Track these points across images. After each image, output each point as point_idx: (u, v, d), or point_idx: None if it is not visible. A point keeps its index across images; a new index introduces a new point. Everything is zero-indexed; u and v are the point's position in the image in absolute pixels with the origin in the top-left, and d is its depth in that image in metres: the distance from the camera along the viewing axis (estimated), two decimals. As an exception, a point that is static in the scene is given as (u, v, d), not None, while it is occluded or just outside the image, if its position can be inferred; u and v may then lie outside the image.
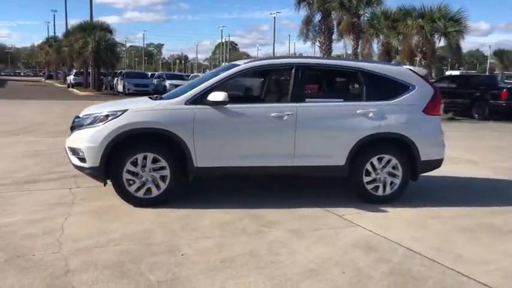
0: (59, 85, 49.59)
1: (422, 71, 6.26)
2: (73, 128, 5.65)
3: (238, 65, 5.79)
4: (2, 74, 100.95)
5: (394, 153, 5.82)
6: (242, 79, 6.41)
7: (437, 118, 6.06)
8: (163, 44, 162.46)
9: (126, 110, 5.31)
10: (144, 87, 33.41)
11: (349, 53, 30.56)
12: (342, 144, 5.64)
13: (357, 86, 6.15)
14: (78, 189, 5.99)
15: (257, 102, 5.92)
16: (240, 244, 4.31)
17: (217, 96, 5.29)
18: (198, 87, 5.54)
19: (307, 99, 5.70)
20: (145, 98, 6.02)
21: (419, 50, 21.18)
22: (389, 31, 22.83)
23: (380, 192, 5.84)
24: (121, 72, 37.79)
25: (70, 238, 4.30)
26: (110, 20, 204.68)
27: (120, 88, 34.87)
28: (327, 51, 28.20)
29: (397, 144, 5.86)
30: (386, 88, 5.95)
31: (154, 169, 5.32)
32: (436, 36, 21.12)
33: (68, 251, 3.98)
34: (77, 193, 5.83)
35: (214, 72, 6.47)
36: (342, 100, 5.88)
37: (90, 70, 37.74)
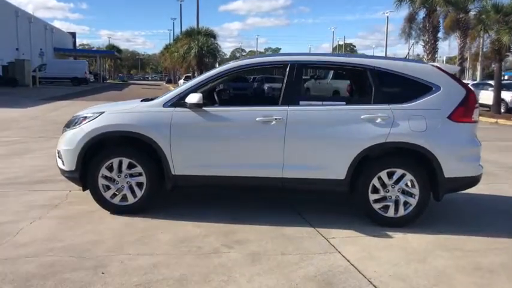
0: (172, 88, 52.47)
1: (453, 69, 5.14)
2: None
3: (227, 64, 5.27)
4: (134, 78, 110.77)
5: (408, 167, 4.83)
6: (230, 79, 5.83)
7: (469, 126, 4.91)
8: (280, 48, 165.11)
9: (103, 112, 5.08)
10: (244, 90, 33.87)
11: (454, 53, 27.72)
12: (342, 154, 4.82)
13: (363, 86, 5.23)
14: (76, 192, 5.92)
15: (243, 105, 5.33)
16: (178, 266, 3.79)
17: (193, 98, 4.82)
18: (179, 88, 5.13)
19: (301, 102, 4.97)
20: (136, 100, 5.75)
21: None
22: (501, 26, 20.18)
23: (391, 213, 4.88)
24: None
25: (14, 244, 4.16)
26: (233, 26, 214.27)
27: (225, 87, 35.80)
28: (432, 50, 25.91)
29: (413, 157, 4.87)
30: (400, 89, 4.99)
31: (131, 175, 5.02)
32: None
33: (-4, 258, 3.82)
34: (70, 196, 5.76)
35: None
36: (344, 103, 5.04)
37: (196, 74, 39.37)
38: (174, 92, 5.10)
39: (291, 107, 4.87)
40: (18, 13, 49.47)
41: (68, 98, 26.06)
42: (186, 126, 4.91)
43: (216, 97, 5.73)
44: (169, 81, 74.82)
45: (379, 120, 4.77)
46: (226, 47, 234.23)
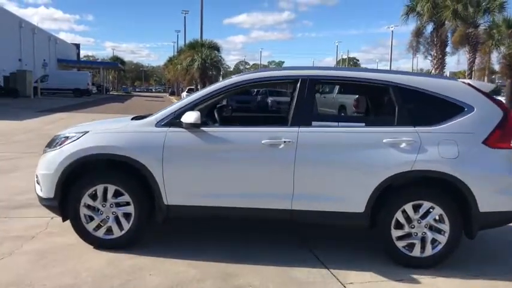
0: (175, 101, 52.08)
1: (487, 87, 4.49)
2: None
3: (229, 79, 4.65)
4: (137, 90, 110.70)
5: (437, 199, 4.17)
6: (233, 96, 5.21)
7: (508, 152, 4.26)
8: (283, 62, 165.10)
9: (87, 132, 4.45)
10: (247, 103, 33.37)
11: (463, 68, 27.13)
12: (361, 184, 4.17)
13: (385, 105, 4.60)
14: (58, 219, 5.23)
15: (247, 125, 4.71)
16: (166, 322, 3.13)
17: (189, 117, 4.19)
18: (174, 105, 4.50)
19: (314, 123, 4.33)
20: (125, 118, 5.11)
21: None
22: (512, 41, 19.64)
23: (417, 252, 4.21)
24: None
25: (-27, 289, 3.50)
26: (237, 39, 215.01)
27: (226, 102, 35.28)
28: (440, 65, 25.33)
29: (442, 188, 4.22)
30: (428, 109, 4.34)
31: (117, 204, 4.37)
32: None
33: None
34: (52, 224, 5.10)
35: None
36: (364, 124, 4.40)
37: (199, 87, 38.92)
38: (168, 109, 4.47)
39: (302, 128, 4.24)
40: (22, 24, 49.22)
41: (68, 110, 25.53)
42: (181, 149, 4.28)
43: (216, 115, 5.10)
44: (172, 93, 74.58)
45: (404, 144, 4.13)
46: (231, 59, 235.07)
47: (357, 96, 18.02)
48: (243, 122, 5.66)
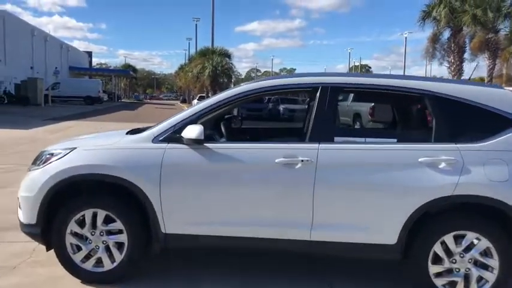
0: (185, 108, 51.63)
1: (541, 96, 3.83)
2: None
3: (239, 87, 4.05)
4: (148, 97, 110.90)
5: (483, 230, 3.53)
6: (243, 106, 4.61)
7: None
8: (295, 69, 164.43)
9: (74, 148, 3.88)
10: (258, 111, 32.83)
11: (483, 75, 26.28)
12: (392, 211, 3.53)
13: (421, 118, 3.96)
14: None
15: (258, 140, 4.11)
16: None
17: (191, 131, 3.61)
18: (174, 117, 3.91)
19: (336, 138, 3.72)
20: (120, 132, 4.51)
21: None
22: (535, 47, 18.83)
23: (459, 292, 3.56)
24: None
25: None
26: (248, 46, 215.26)
27: (234, 112, 34.76)
28: (457, 72, 24.54)
29: (490, 216, 3.56)
30: (472, 122, 3.71)
31: (108, 232, 3.79)
32: None
33: None
34: (38, 251, 4.50)
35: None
36: (395, 140, 3.77)
37: (210, 94, 38.50)
38: (167, 122, 3.87)
39: (323, 145, 3.62)
40: (34, 32, 49.39)
41: (77, 118, 25.15)
42: (181, 169, 3.69)
43: (223, 128, 4.50)
44: (184, 101, 74.31)
45: (443, 165, 3.49)
46: (242, 67, 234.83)
47: (372, 104, 17.51)
48: (253, 135, 5.08)
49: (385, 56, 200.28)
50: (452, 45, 24.50)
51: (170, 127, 3.79)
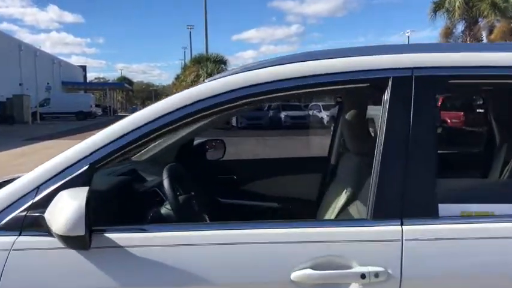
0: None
1: None
2: None
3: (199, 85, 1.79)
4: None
5: None
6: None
7: None
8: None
9: None
10: (258, 120, 30.68)
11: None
12: None
13: None
14: None
15: (246, 215, 1.87)
16: None
17: (59, 213, 1.37)
18: (39, 170, 1.65)
19: (443, 207, 1.46)
20: None
21: None
22: None
23: None
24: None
25: None
26: (246, 54, 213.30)
27: (233, 122, 32.62)
28: (474, 68, 22.31)
29: None
30: None
31: None
32: None
33: None
34: None
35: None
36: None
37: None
38: (20, 183, 1.63)
39: (410, 226, 1.38)
40: (21, 47, 47.38)
41: (60, 136, 22.94)
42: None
43: (167, 185, 2.17)
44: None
45: None
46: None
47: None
48: (236, 194, 2.81)
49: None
50: (468, 38, 22.27)
51: (23, 196, 1.54)
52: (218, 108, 1.64)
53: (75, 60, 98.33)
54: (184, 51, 74.78)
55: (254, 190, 3.02)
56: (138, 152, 2.77)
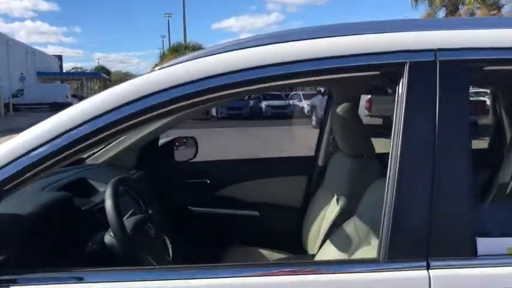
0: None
1: None
2: None
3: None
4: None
5: None
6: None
7: None
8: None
9: None
10: (238, 110, 30.25)
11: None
12: None
13: None
14: None
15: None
16: None
17: None
18: None
19: (481, 242, 1.06)
20: None
21: None
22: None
23: None
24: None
25: None
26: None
27: (213, 112, 32.10)
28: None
29: None
30: None
31: None
32: None
33: None
34: None
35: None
36: None
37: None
38: None
39: (439, 270, 0.99)
40: (-9, 36, 45.83)
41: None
42: None
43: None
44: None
45: None
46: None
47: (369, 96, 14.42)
48: (209, 201, 2.41)
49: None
50: (449, 26, 22.16)
51: None
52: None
53: (51, 50, 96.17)
54: (163, 40, 73.62)
55: (231, 196, 2.61)
56: (93, 154, 2.34)
